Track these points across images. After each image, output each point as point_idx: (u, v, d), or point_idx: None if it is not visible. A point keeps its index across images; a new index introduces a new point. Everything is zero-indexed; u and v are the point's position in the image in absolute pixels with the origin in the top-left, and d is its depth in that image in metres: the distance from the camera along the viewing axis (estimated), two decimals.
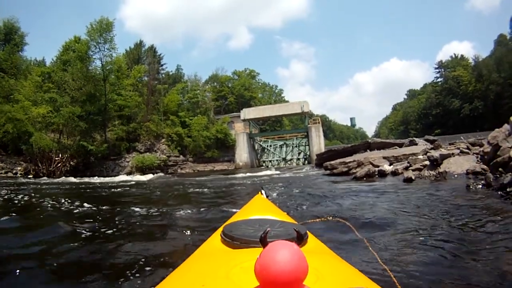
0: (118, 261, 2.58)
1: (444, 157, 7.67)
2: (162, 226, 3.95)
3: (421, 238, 2.83)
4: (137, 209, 5.30)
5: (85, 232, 3.63)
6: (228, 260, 0.94)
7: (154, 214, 4.90)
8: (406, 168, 8.34)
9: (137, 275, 2.22)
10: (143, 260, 2.53)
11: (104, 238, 3.36)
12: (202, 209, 5.11)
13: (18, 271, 2.35)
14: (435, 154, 7.91)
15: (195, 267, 1.02)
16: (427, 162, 7.94)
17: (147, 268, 2.32)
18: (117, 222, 4.27)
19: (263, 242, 0.69)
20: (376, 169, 9.04)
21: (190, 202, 6.57)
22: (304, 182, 9.76)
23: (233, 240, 1.12)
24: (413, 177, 7.04)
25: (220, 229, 1.31)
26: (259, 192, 2.58)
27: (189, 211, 5.04)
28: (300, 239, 0.89)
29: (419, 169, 7.87)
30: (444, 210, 3.94)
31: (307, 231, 1.25)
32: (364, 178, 8.70)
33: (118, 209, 5.54)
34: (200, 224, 3.99)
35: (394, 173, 8.38)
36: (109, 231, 3.68)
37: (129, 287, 2.00)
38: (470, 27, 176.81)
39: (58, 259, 2.67)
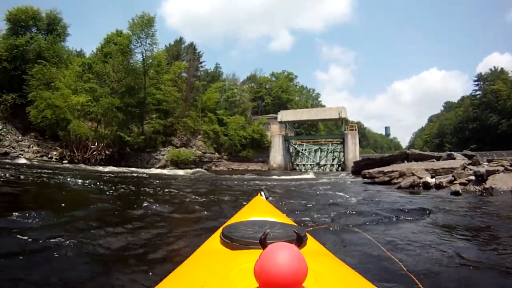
0: (116, 257, 2.48)
1: (489, 173, 7.84)
2: (174, 223, 3.96)
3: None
4: (156, 204, 5.13)
5: (90, 221, 3.58)
6: (228, 262, 0.93)
7: (170, 210, 4.73)
8: (451, 182, 8.43)
9: (135, 274, 2.15)
10: (142, 258, 2.48)
11: (106, 230, 3.22)
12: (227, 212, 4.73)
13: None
14: (481, 169, 8.12)
15: (194, 268, 1.00)
16: (472, 177, 8.04)
17: (145, 267, 2.24)
18: (129, 215, 4.19)
19: (262, 243, 0.69)
20: (420, 180, 9.02)
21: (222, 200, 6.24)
22: (353, 190, 9.20)
23: (232, 242, 1.09)
24: (460, 191, 7.08)
25: (219, 230, 1.28)
26: (259, 194, 2.50)
27: (213, 212, 4.79)
28: (300, 241, 0.85)
29: (464, 184, 7.92)
30: (500, 224, 4.08)
31: (307, 233, 1.24)
32: (408, 189, 8.65)
33: (136, 200, 5.59)
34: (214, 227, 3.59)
35: (438, 186, 8.39)
36: (116, 224, 3.57)
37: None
38: (510, 39, 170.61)
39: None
